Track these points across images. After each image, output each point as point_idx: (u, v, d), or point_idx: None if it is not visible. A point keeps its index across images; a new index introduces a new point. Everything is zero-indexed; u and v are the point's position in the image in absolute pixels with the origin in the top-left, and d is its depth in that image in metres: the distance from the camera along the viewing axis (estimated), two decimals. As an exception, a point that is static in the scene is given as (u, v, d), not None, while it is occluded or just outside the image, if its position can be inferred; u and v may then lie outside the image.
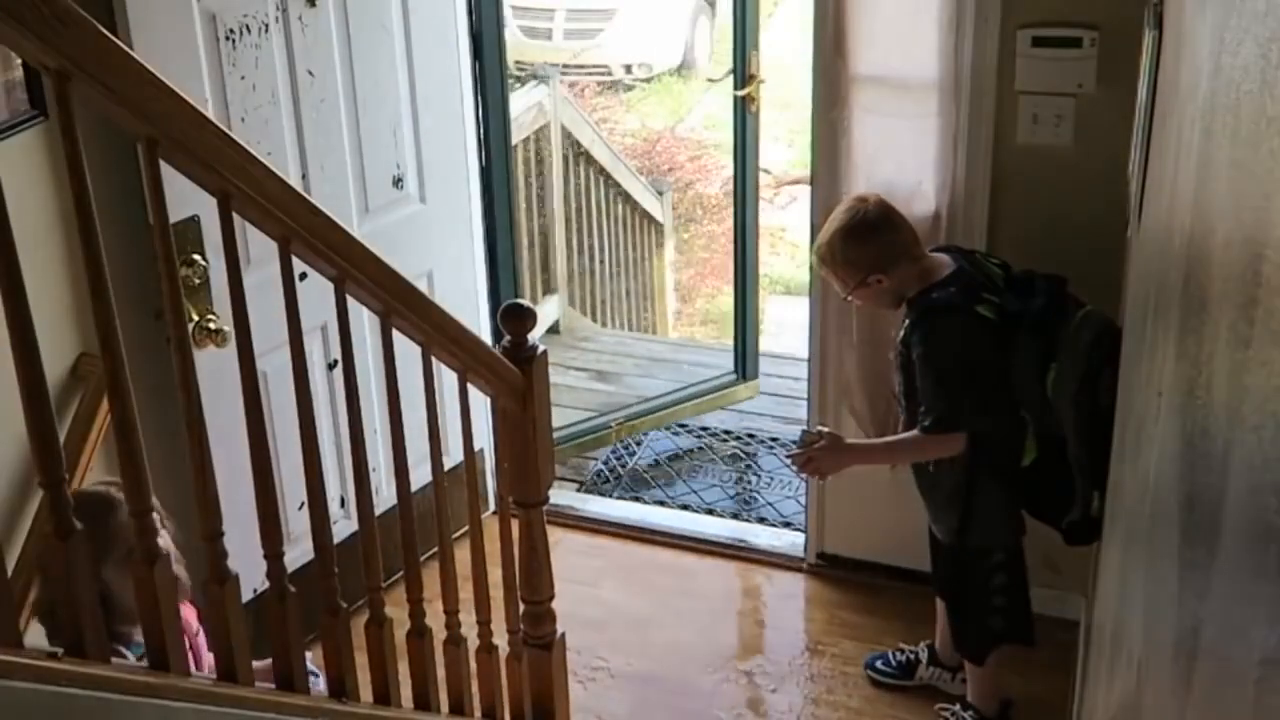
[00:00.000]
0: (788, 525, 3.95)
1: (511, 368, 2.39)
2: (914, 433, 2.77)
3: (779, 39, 8.53)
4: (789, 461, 2.75)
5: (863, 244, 2.75)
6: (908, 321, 2.77)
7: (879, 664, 3.33)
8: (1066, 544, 2.80)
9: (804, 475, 2.82)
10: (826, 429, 2.94)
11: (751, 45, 4.11)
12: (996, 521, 2.87)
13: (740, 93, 4.12)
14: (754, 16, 4.16)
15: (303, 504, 2.13)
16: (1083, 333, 2.61)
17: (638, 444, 4.49)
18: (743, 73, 4.10)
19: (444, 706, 2.43)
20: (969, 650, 3.09)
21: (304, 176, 3.14)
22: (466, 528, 2.56)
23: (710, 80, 5.09)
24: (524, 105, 5.06)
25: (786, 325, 6.40)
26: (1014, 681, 3.25)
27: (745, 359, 4.64)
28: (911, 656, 3.30)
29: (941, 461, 2.81)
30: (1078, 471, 2.62)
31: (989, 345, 2.68)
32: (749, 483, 4.22)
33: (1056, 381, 2.62)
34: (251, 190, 1.82)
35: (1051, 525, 2.82)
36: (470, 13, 3.55)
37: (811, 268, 3.24)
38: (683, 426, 4.61)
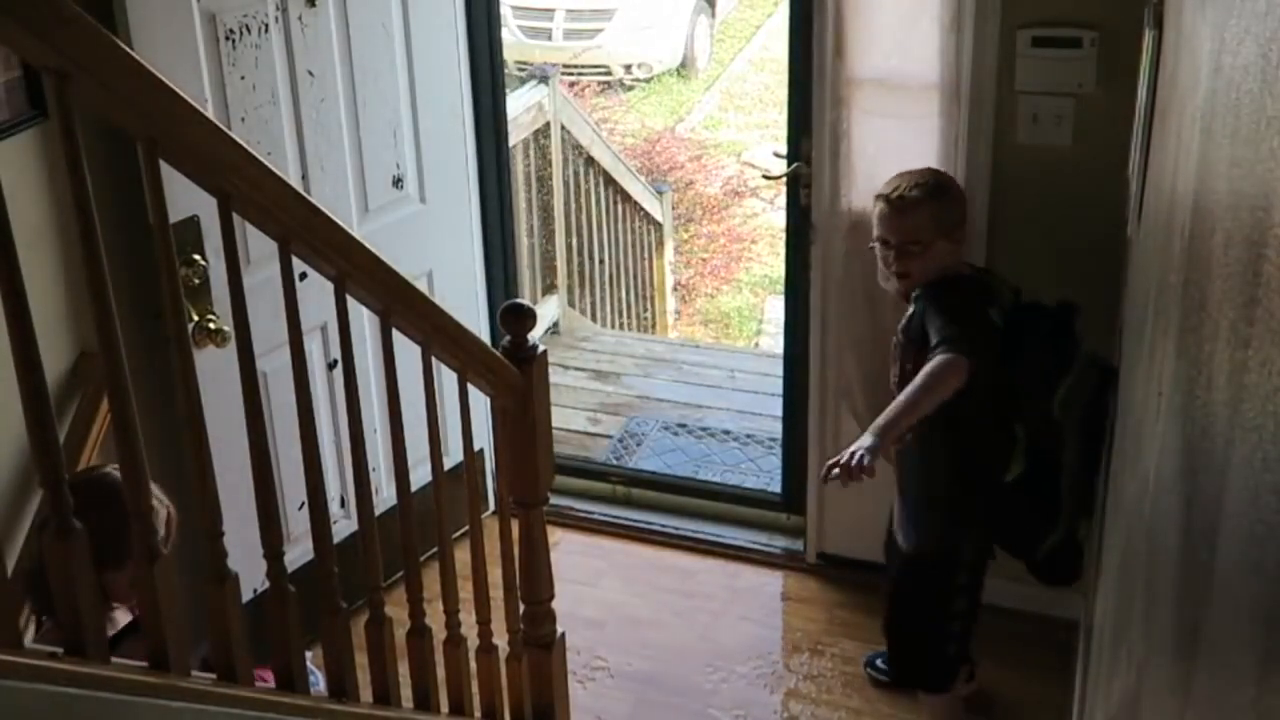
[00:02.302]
0: (788, 525, 3.95)
1: (511, 368, 2.39)
2: (925, 368, 2.52)
3: (780, 38, 8.52)
4: (834, 477, 2.50)
5: (939, 201, 2.67)
6: (912, 309, 2.69)
7: (879, 662, 3.32)
8: (1041, 581, 2.77)
9: (855, 479, 2.54)
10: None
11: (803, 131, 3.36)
12: (968, 534, 2.79)
13: (771, 177, 3.58)
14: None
15: (303, 504, 2.13)
16: (1093, 368, 2.61)
17: (638, 444, 4.49)
18: (795, 158, 3.44)
19: (444, 706, 2.43)
20: (930, 679, 2.98)
21: (304, 176, 3.14)
22: (466, 528, 2.56)
23: (766, 177, 4.53)
24: (524, 105, 5.06)
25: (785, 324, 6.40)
26: (1014, 681, 3.25)
27: (791, 487, 3.82)
28: None
29: (933, 459, 2.72)
30: (1068, 492, 2.59)
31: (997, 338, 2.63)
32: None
33: (1065, 401, 2.59)
34: (251, 190, 1.82)
35: (1022, 557, 2.77)
36: (469, 13, 3.55)
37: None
38: (682, 426, 4.61)
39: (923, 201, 2.67)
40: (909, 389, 2.54)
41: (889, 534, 2.97)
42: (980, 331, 2.57)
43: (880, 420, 2.52)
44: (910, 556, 2.83)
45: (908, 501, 2.83)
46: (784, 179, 3.50)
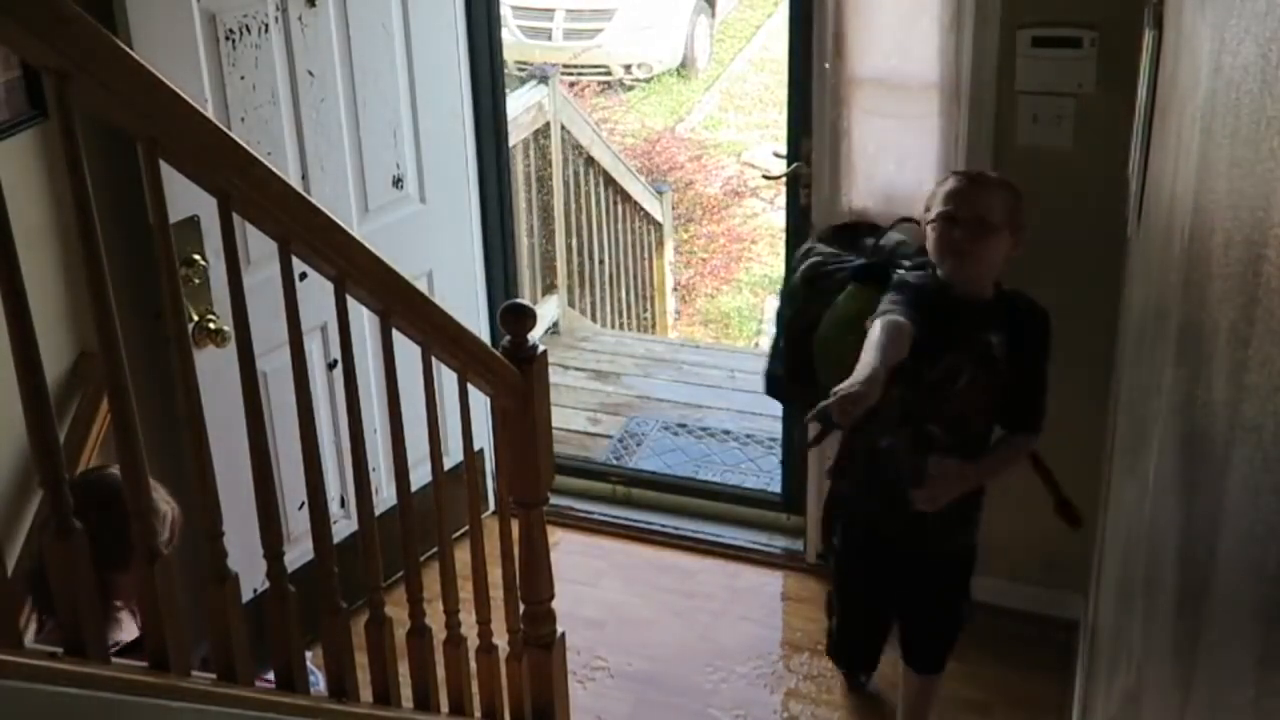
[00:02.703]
0: (788, 525, 3.95)
1: (511, 368, 2.39)
2: (1023, 436, 2.65)
3: (780, 38, 8.51)
4: (922, 504, 2.58)
5: (1014, 193, 2.59)
6: (1022, 325, 2.58)
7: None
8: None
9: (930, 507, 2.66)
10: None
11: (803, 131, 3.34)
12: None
13: (771, 177, 3.52)
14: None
15: (303, 504, 2.13)
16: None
17: (638, 444, 4.49)
18: (794, 158, 3.43)
19: (444, 706, 2.43)
20: (941, 658, 2.95)
21: (304, 176, 3.14)
22: (466, 528, 2.56)
23: (766, 177, 4.44)
24: (524, 105, 5.06)
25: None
26: (1014, 681, 3.25)
27: (791, 487, 3.87)
28: None
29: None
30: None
31: None
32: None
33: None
34: (251, 190, 1.82)
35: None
36: (469, 13, 3.55)
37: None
38: (682, 426, 4.61)
39: (1004, 184, 2.60)
40: (1007, 460, 2.67)
41: (873, 539, 2.89)
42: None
43: (977, 468, 2.63)
44: (957, 559, 2.81)
45: (954, 515, 2.71)
46: (784, 179, 3.50)
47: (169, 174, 1.70)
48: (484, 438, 3.49)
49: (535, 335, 2.51)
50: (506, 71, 3.94)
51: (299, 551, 2.49)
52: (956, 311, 2.54)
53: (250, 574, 2.01)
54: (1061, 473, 2.75)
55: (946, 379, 2.55)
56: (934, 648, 2.93)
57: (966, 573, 2.85)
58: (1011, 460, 2.67)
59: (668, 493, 4.10)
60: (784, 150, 3.51)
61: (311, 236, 1.95)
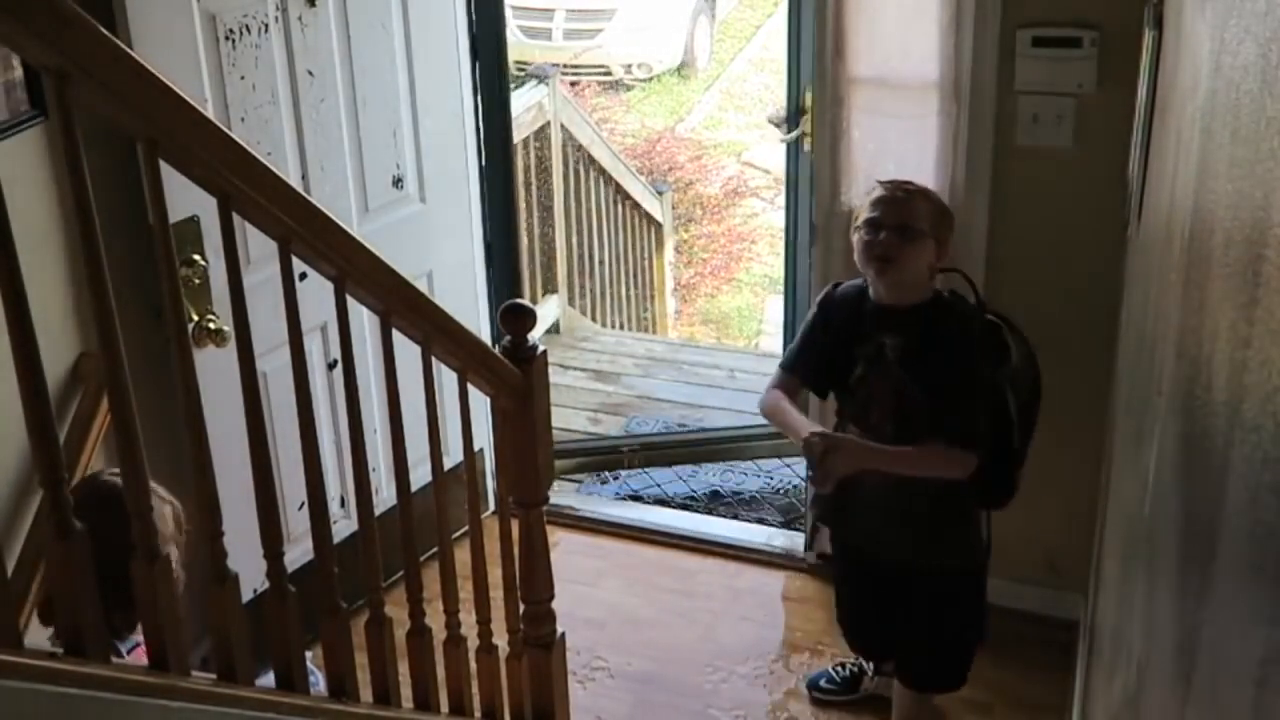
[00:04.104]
0: (788, 525, 3.95)
1: (511, 367, 2.39)
2: (937, 445, 2.55)
3: (780, 38, 8.51)
4: (813, 483, 2.60)
5: (938, 204, 2.68)
6: (931, 329, 2.59)
7: (823, 683, 3.30)
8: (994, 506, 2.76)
9: (826, 487, 2.64)
10: (819, 432, 2.65)
11: (807, 81, 3.43)
12: (983, 529, 2.78)
13: (789, 137, 3.56)
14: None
15: (303, 504, 2.13)
16: (1017, 335, 2.65)
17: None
18: (796, 112, 3.54)
19: (444, 706, 2.43)
20: (956, 676, 2.88)
21: (304, 176, 3.14)
22: (466, 528, 2.56)
23: (773, 123, 4.43)
24: (524, 105, 5.06)
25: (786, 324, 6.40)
26: (1014, 681, 3.25)
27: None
28: (854, 669, 3.26)
29: (955, 485, 2.61)
30: (1019, 428, 2.64)
31: None
32: (749, 482, 4.22)
33: (1015, 367, 2.63)
34: (251, 190, 1.82)
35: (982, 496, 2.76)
36: (470, 13, 3.55)
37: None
38: (682, 426, 4.61)
39: (926, 194, 2.66)
40: (921, 454, 2.56)
41: (845, 548, 2.94)
42: (988, 413, 2.57)
43: (874, 447, 2.59)
44: (965, 576, 2.77)
45: (918, 523, 2.71)
46: (787, 144, 3.55)
47: (169, 174, 1.70)
48: (484, 438, 3.49)
49: (535, 335, 2.51)
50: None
51: (299, 551, 2.49)
52: (867, 314, 2.64)
53: (250, 574, 2.01)
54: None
55: (858, 380, 2.67)
56: (917, 666, 2.90)
57: (953, 596, 2.78)
58: (923, 460, 2.56)
59: (678, 449, 4.28)
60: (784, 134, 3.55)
61: (311, 236, 1.95)
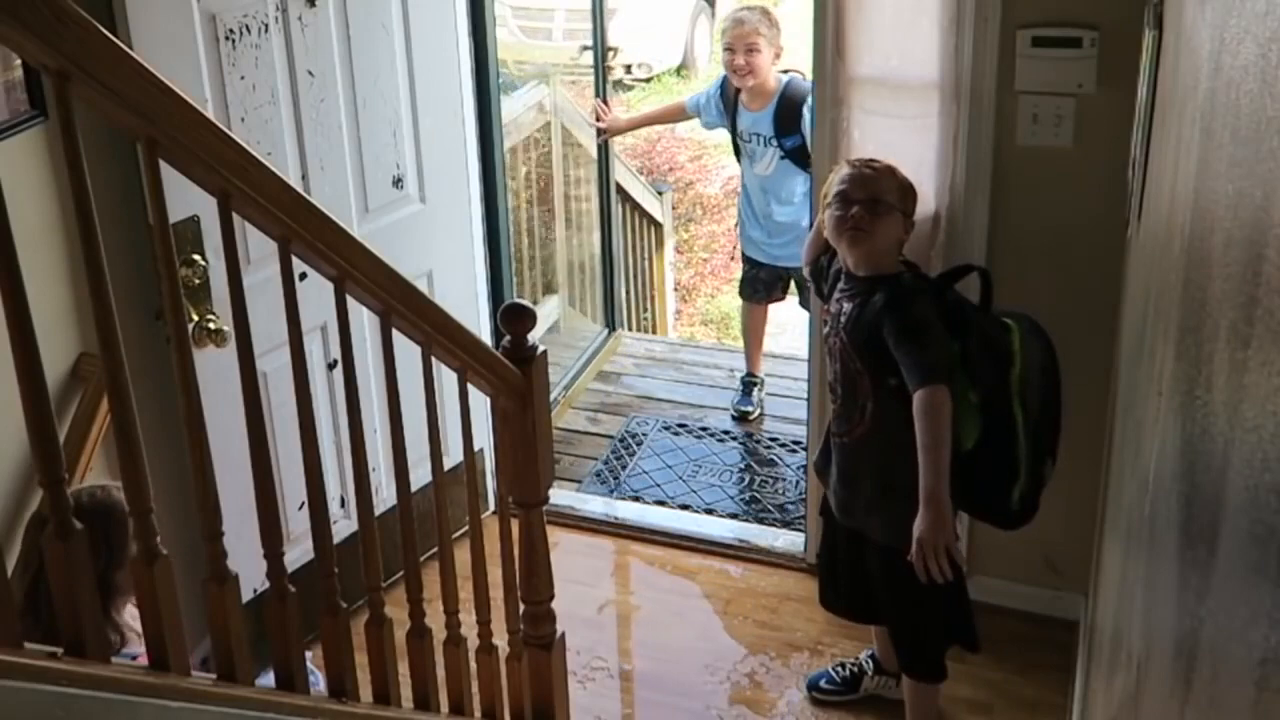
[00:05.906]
0: (788, 525, 3.96)
1: (511, 368, 2.39)
2: (917, 405, 2.52)
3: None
4: (928, 575, 2.53)
5: (903, 180, 2.78)
6: (851, 306, 2.72)
7: (823, 683, 3.30)
8: (1005, 528, 2.76)
9: (944, 573, 2.54)
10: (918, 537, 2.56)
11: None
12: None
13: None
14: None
15: (303, 504, 2.13)
16: (1035, 337, 2.67)
17: (638, 444, 4.49)
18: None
19: (444, 706, 2.43)
20: (928, 668, 2.93)
21: (304, 176, 3.14)
22: (466, 528, 2.56)
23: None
24: (524, 105, 5.06)
25: (786, 325, 6.40)
26: (1014, 681, 3.25)
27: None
28: (854, 669, 3.27)
29: (907, 460, 2.58)
30: (1028, 439, 2.63)
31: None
32: (749, 482, 4.22)
33: (1022, 375, 2.64)
34: (251, 190, 1.82)
35: (985, 515, 2.80)
36: (470, 13, 3.55)
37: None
38: (682, 427, 4.61)
39: (893, 170, 2.79)
40: (927, 444, 2.51)
41: (828, 514, 3.00)
42: (943, 349, 2.61)
43: (926, 491, 2.51)
44: (896, 549, 2.65)
45: (862, 491, 2.80)
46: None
47: (169, 174, 1.70)
48: (484, 438, 3.49)
49: (535, 335, 2.51)
50: (506, 71, 3.95)
51: (299, 551, 2.49)
52: (833, 276, 2.86)
53: (250, 574, 2.01)
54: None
55: (825, 337, 2.89)
56: (897, 643, 3.00)
57: (898, 577, 2.68)
58: (925, 431, 2.52)
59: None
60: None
61: (311, 236, 1.95)
